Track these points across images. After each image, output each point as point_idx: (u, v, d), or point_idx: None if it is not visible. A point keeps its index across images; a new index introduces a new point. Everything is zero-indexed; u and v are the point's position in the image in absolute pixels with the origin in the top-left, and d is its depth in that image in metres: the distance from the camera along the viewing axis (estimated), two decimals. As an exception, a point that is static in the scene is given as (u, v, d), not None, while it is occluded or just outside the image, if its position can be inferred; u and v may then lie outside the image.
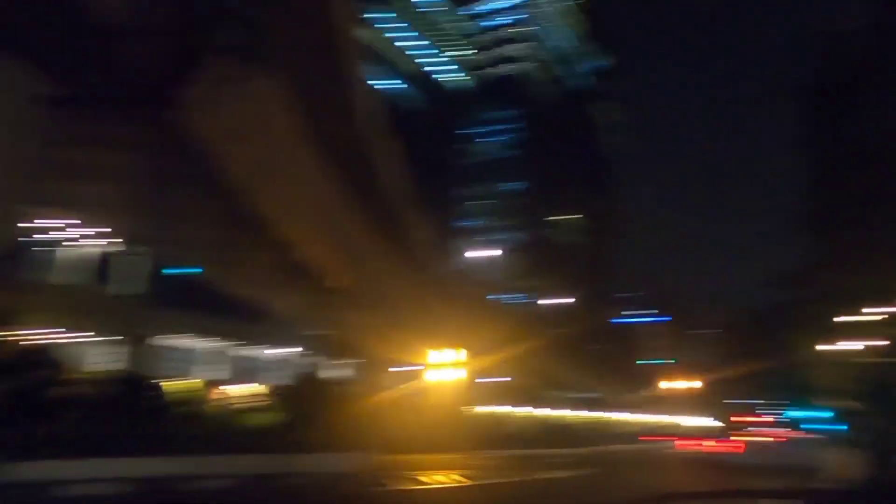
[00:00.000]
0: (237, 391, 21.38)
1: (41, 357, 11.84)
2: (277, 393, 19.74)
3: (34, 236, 25.33)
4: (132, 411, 12.65)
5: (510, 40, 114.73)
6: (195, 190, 16.38)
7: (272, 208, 18.05)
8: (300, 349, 43.89)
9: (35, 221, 23.12)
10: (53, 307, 25.38)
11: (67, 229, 26.95)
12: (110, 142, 13.85)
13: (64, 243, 30.12)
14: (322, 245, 22.08)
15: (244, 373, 41.54)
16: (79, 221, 24.28)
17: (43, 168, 11.61)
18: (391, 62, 79.96)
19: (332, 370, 45.34)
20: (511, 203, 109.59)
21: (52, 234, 27.75)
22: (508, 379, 54.05)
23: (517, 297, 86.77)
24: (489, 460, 22.93)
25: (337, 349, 42.93)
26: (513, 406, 40.78)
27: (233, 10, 11.07)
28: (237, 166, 15.51)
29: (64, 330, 28.46)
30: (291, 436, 13.80)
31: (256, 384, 29.91)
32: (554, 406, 46.85)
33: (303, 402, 16.71)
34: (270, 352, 44.30)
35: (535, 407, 42.97)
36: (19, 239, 10.99)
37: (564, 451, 32.21)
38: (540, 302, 67.71)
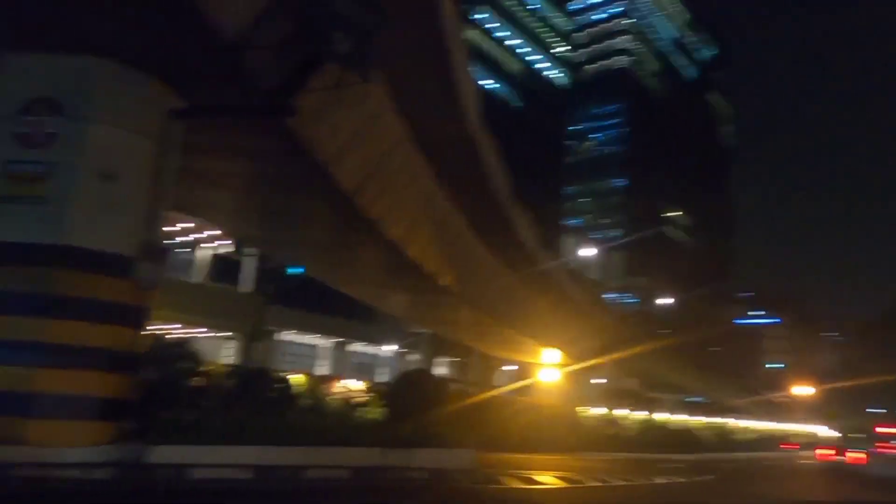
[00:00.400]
0: (352, 386, 22.17)
1: (180, 350, 12.84)
2: (387, 389, 20.28)
3: (172, 239, 27.54)
4: (260, 402, 13.45)
5: (611, 34, 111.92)
6: (310, 193, 17.08)
7: (382, 209, 18.54)
8: (408, 347, 44.90)
9: (172, 225, 25.13)
10: (189, 304, 27.47)
11: (200, 232, 29.13)
12: (235, 150, 14.74)
13: (197, 245, 32.55)
14: (429, 245, 22.45)
15: (358, 368, 43.07)
16: (209, 225, 26.13)
17: (178, 176, 12.51)
18: (493, 61, 79.93)
19: (439, 367, 46.07)
20: (617, 200, 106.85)
21: (187, 237, 30.06)
22: (617, 380, 52.76)
23: (626, 297, 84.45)
24: (598, 463, 22.50)
25: (443, 347, 43.57)
26: (622, 408, 39.70)
27: (346, 19, 11.45)
28: (348, 168, 16.04)
29: (198, 325, 30.77)
30: (400, 430, 14.15)
31: (369, 380, 30.95)
32: (665, 409, 45.18)
33: (411, 398, 17.07)
34: (381, 349, 45.68)
35: (645, 410, 41.62)
36: (160, 241, 11.93)
37: (677, 456, 31.06)
38: (649, 301, 65.47)
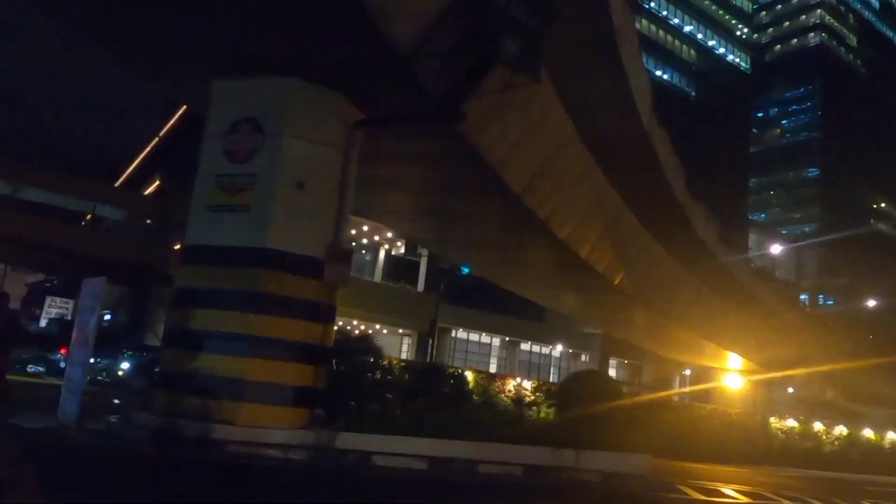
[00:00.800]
0: (522, 385, 22.34)
1: (362, 345, 13.78)
2: (558, 388, 20.14)
3: (355, 241, 29.69)
4: (435, 397, 14.03)
5: (801, 10, 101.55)
6: (480, 194, 17.47)
7: (551, 208, 18.49)
8: (579, 347, 44.26)
9: (354, 228, 27.05)
10: (369, 302, 29.41)
11: (378, 234, 31.14)
12: (408, 156, 15.50)
13: (376, 247, 34.78)
14: (600, 243, 21.99)
15: (528, 367, 43.35)
16: (386, 227, 27.79)
17: (359, 181, 13.39)
18: (667, 51, 76.12)
19: (611, 369, 44.95)
20: (810, 192, 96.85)
21: (367, 240, 32.25)
22: (811, 390, 47.85)
23: (822, 298, 76.27)
24: (791, 479, 20.64)
25: (616, 348, 42.39)
26: (816, 420, 35.92)
27: (515, 21, 11.60)
28: (517, 169, 16.20)
29: (377, 322, 32.85)
30: (569, 431, 13.95)
31: (539, 379, 30.96)
32: (873, 425, 40.10)
33: (582, 398, 16.76)
34: (552, 348, 45.52)
35: (846, 424, 37.28)
36: (345, 244, 12.88)
37: (892, 479, 27.49)
38: (852, 303, 58.63)
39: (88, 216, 39.40)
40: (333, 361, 12.69)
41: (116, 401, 15.99)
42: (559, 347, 45.43)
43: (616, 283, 24.49)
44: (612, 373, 45.00)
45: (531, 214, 17.64)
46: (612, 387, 18.54)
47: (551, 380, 39.06)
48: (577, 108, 16.09)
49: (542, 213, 17.96)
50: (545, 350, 46.30)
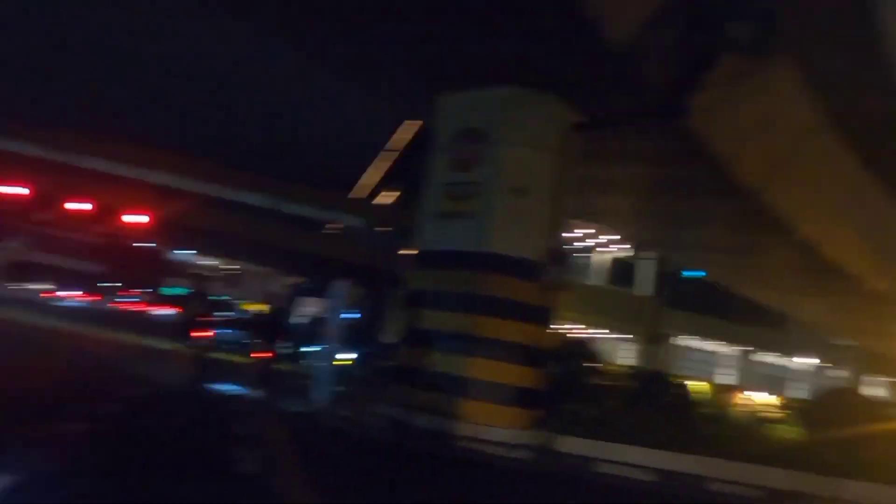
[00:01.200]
0: (758, 399, 20.59)
1: (580, 349, 13.76)
2: (807, 406, 18.24)
3: (572, 245, 29.66)
4: (658, 405, 13.49)
5: None
6: (708, 193, 16.48)
7: (791, 206, 16.77)
8: (825, 360, 39.46)
9: (573, 231, 27.04)
10: (590, 306, 29.12)
11: (598, 237, 30.72)
12: (627, 155, 15.11)
13: (594, 250, 34.34)
14: (855, 244, 19.42)
15: (762, 380, 39.67)
16: (607, 229, 27.30)
17: (576, 184, 13.37)
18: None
19: (871, 387, 39.27)
20: None
21: (585, 242, 31.99)
22: None
23: None
24: None
25: (877, 363, 36.96)
26: None
27: (743, 4, 10.78)
28: (751, 165, 14.97)
29: (599, 326, 32.39)
30: (819, 454, 12.45)
31: (779, 393, 28.17)
32: None
33: (837, 418, 14.92)
34: (794, 361, 41.15)
35: None
36: (563, 246, 12.96)
37: None
38: None
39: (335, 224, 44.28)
40: (552, 364, 12.78)
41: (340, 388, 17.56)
42: (804, 360, 40.92)
43: (876, 288, 21.45)
44: (872, 391, 39.35)
45: (767, 213, 16.19)
46: (873, 407, 16.34)
47: (794, 395, 35.29)
48: (823, 91, 14.37)
49: (781, 210, 16.41)
50: (786, 362, 42.00)
